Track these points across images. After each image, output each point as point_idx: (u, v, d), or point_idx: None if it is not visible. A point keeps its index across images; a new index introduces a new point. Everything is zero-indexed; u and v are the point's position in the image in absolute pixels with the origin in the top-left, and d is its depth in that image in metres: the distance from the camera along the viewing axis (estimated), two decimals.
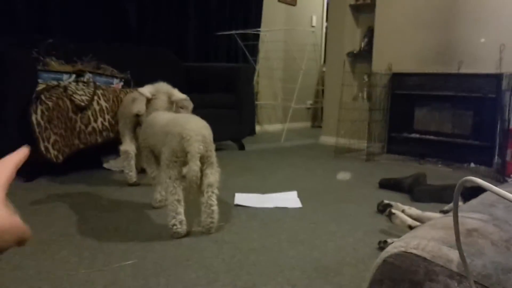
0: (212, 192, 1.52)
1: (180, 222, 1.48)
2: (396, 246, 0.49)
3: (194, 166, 1.43)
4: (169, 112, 1.83)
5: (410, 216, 1.78)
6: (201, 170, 1.49)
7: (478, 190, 0.67)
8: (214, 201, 1.52)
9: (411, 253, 0.47)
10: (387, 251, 0.49)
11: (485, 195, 0.61)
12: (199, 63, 3.94)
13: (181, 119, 1.57)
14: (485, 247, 0.46)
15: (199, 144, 1.46)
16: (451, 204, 1.76)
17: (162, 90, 1.88)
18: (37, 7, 2.96)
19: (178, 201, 1.49)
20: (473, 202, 0.60)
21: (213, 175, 1.53)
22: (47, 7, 3.01)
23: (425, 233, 0.50)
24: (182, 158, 1.48)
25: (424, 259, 0.45)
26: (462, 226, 0.47)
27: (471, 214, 0.54)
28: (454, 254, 0.45)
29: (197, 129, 1.49)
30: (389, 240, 1.43)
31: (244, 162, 2.97)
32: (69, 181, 2.22)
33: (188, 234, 1.50)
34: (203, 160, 1.51)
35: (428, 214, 1.70)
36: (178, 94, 1.90)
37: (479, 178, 0.33)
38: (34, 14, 2.95)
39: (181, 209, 1.49)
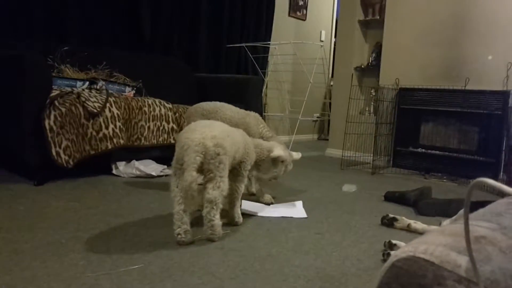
0: (212, 208, 1.46)
1: (185, 232, 1.46)
2: (404, 250, 0.50)
3: (187, 176, 1.36)
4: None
5: (416, 230, 1.79)
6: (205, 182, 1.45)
7: (481, 206, 0.68)
8: (213, 216, 1.48)
9: (420, 257, 0.47)
10: (395, 255, 0.50)
11: (492, 204, 0.62)
12: (210, 74, 3.99)
13: (192, 126, 1.54)
14: (493, 254, 0.46)
15: (196, 155, 1.40)
16: (451, 218, 1.76)
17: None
18: (53, 15, 3.03)
19: (184, 211, 1.46)
20: (481, 211, 0.61)
21: (213, 191, 1.45)
22: (63, 15, 3.08)
23: (434, 239, 0.51)
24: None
25: (433, 263, 0.46)
26: (470, 233, 0.47)
27: (479, 223, 0.55)
28: (462, 260, 0.45)
29: (198, 139, 1.43)
30: (392, 252, 1.43)
31: None
32: (79, 186, 2.24)
33: (193, 242, 1.50)
34: (204, 172, 1.45)
35: (434, 228, 1.70)
36: (276, 151, 1.88)
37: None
38: (50, 21, 3.02)
39: (186, 219, 1.46)
